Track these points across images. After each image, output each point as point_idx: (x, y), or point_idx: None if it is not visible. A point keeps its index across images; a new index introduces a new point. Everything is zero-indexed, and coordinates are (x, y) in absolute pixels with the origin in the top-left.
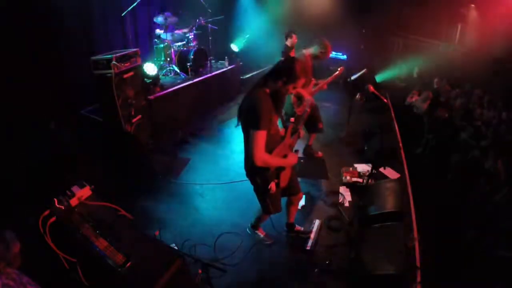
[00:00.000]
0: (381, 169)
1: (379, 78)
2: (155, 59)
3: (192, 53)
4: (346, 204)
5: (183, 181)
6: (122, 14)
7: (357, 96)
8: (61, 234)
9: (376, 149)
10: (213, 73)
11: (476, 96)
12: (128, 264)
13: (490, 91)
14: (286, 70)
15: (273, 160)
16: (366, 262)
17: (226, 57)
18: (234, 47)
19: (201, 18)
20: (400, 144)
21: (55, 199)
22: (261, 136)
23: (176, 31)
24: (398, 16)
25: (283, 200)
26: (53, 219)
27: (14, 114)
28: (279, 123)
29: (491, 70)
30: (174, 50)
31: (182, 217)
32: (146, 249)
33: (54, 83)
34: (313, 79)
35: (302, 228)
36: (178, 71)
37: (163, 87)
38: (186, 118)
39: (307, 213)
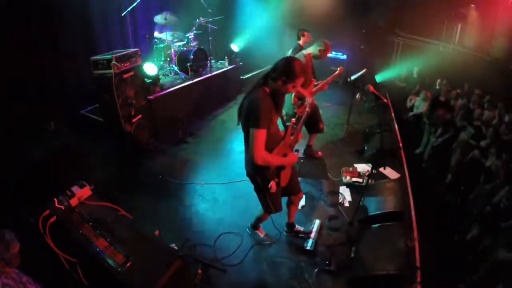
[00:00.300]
0: (381, 169)
1: (379, 78)
2: (155, 59)
3: (192, 53)
4: (346, 204)
5: (183, 181)
6: (122, 14)
7: (357, 96)
8: (61, 234)
9: (376, 149)
10: (213, 73)
11: (476, 96)
12: (128, 264)
13: (490, 91)
14: (285, 69)
15: (273, 159)
16: (366, 262)
17: (226, 57)
18: (234, 47)
19: (201, 18)
20: (400, 144)
21: (55, 199)
22: (261, 135)
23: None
24: (398, 16)
25: (284, 200)
26: (53, 219)
27: (14, 114)
28: (279, 123)
29: (491, 70)
30: (174, 50)
31: (182, 217)
32: (146, 249)
33: (54, 83)
34: (313, 79)
35: (302, 228)
36: (178, 71)
37: (163, 87)
38: (186, 118)
39: (307, 213)
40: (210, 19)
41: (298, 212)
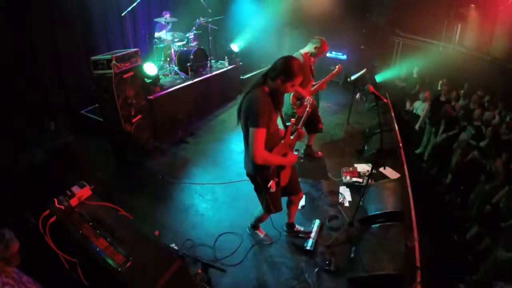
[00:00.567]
0: (381, 169)
1: (379, 78)
2: (155, 59)
3: (192, 53)
4: (346, 204)
5: (183, 181)
6: (122, 14)
7: (357, 96)
8: (61, 234)
9: (376, 149)
10: (213, 73)
11: (477, 96)
12: (128, 264)
13: (490, 91)
14: (284, 68)
15: (273, 158)
16: (366, 262)
17: (226, 57)
18: (234, 47)
19: (201, 18)
20: (400, 144)
21: (55, 199)
22: (260, 134)
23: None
24: (398, 16)
25: (284, 200)
26: (53, 219)
27: (14, 114)
28: (279, 122)
29: (491, 70)
30: (174, 50)
31: (182, 217)
32: (146, 249)
33: (54, 83)
34: (312, 79)
35: (302, 228)
36: (178, 71)
37: (163, 87)
38: (186, 118)
39: (307, 213)
40: (210, 19)
41: (298, 212)
